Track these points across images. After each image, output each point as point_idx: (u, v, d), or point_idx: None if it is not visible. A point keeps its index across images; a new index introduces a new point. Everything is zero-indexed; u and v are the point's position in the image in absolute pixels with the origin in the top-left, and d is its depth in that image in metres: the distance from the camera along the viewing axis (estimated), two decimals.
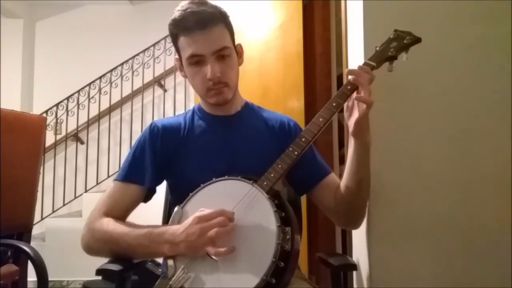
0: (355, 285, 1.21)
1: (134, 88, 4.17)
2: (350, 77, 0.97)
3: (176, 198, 1.07)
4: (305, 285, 1.04)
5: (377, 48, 1.00)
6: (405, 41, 0.98)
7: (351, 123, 0.96)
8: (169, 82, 4.25)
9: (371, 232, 1.08)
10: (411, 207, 1.07)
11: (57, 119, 4.16)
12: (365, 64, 0.99)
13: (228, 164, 1.03)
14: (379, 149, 1.06)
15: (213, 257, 0.86)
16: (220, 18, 1.02)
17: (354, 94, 0.97)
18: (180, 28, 1.01)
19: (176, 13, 1.01)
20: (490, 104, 1.07)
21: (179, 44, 1.03)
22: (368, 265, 1.08)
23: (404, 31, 0.99)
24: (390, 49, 0.98)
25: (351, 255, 1.31)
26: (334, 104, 0.97)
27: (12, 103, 3.85)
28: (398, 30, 1.00)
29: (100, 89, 4.16)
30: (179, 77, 3.97)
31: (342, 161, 2.03)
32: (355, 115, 0.94)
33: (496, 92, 1.07)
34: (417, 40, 0.98)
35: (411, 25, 1.03)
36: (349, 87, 0.97)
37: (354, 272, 1.19)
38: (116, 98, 4.16)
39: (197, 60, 1.01)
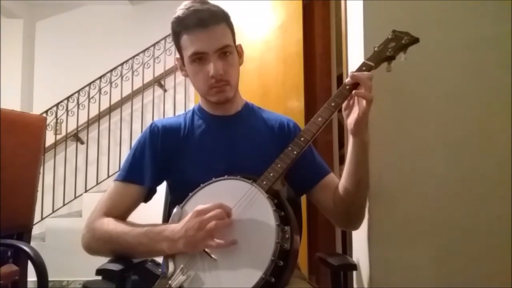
0: (355, 285, 1.21)
1: (134, 88, 4.16)
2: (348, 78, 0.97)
3: (176, 198, 1.07)
4: (305, 285, 1.04)
5: (375, 49, 1.01)
6: (403, 42, 0.98)
7: (350, 121, 0.96)
8: (169, 82, 4.25)
9: (371, 232, 1.08)
10: (411, 207, 1.07)
11: (57, 119, 4.16)
12: (363, 64, 0.99)
13: (227, 164, 1.03)
14: (379, 149, 1.06)
15: (212, 256, 0.87)
16: (223, 17, 1.03)
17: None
18: (183, 26, 1.01)
19: (179, 12, 1.02)
20: (490, 104, 1.07)
21: (182, 42, 1.03)
22: (368, 265, 1.08)
23: (402, 31, 1.00)
24: (388, 50, 0.98)
25: (351, 255, 1.32)
26: (332, 104, 0.97)
27: (12, 103, 3.84)
28: (396, 31, 1.00)
29: (100, 89, 4.16)
30: (179, 77, 3.97)
31: (342, 161, 2.02)
32: (355, 113, 0.94)
33: (496, 92, 1.07)
34: (415, 40, 0.98)
35: (411, 25, 1.03)
36: (347, 86, 0.97)
37: (354, 272, 1.19)
38: (116, 98, 4.15)
39: (199, 58, 1.02)
